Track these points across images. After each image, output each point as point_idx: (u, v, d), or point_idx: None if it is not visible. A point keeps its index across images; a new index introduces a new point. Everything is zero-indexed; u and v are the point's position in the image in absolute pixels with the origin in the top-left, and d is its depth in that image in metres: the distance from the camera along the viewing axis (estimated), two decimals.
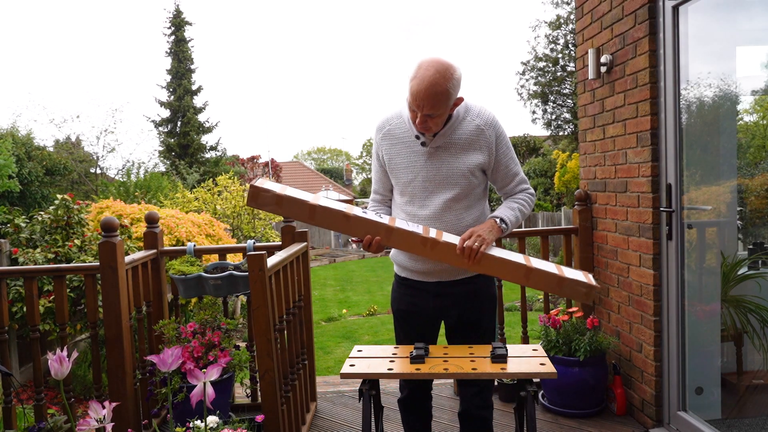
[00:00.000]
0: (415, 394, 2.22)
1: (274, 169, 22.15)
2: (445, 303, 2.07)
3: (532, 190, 2.12)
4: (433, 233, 1.86)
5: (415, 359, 1.87)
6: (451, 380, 3.52)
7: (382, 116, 2.08)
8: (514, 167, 2.06)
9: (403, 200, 2.06)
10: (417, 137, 1.98)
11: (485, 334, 2.13)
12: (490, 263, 1.86)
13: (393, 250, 2.19)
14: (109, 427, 1.77)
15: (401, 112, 2.03)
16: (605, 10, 3.06)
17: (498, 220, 1.97)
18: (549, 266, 1.91)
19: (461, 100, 1.92)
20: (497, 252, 1.88)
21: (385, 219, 1.88)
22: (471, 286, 2.07)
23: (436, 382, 3.54)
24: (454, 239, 1.88)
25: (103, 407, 1.78)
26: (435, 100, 1.79)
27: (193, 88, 21.19)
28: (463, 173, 1.97)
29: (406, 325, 2.17)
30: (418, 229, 1.87)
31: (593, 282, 1.88)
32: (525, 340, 3.39)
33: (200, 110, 21.25)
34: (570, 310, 3.19)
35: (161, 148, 20.54)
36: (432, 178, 1.98)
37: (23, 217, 4.48)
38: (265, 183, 1.88)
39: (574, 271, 1.92)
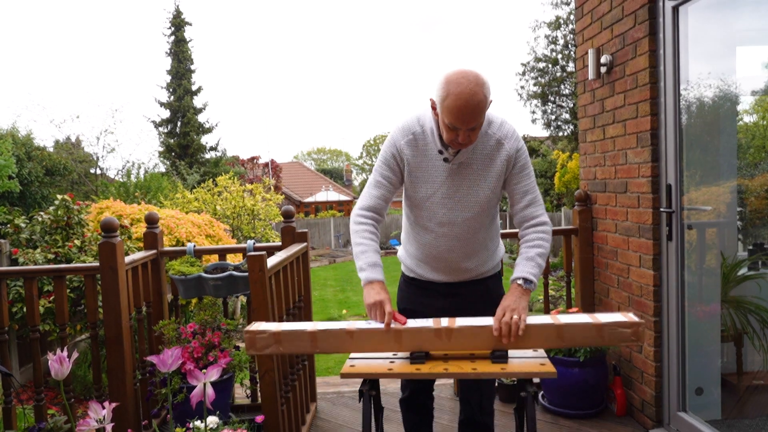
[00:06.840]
0: (417, 393, 2.22)
1: (274, 170, 22.14)
2: (456, 303, 2.03)
3: (545, 218, 1.95)
4: (444, 322, 1.77)
5: (415, 359, 1.87)
6: (451, 381, 3.52)
7: (401, 122, 1.97)
8: (527, 184, 1.95)
9: (416, 214, 2.00)
10: (440, 152, 1.90)
11: None
12: (528, 334, 1.73)
13: (400, 251, 2.18)
14: (109, 427, 1.77)
15: (422, 123, 1.93)
16: (605, 10, 3.06)
17: (522, 282, 1.82)
18: (581, 317, 1.78)
19: (491, 101, 1.86)
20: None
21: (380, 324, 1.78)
22: (481, 286, 2.06)
23: (436, 382, 3.53)
24: (469, 322, 1.78)
25: (103, 407, 1.78)
26: (477, 111, 1.74)
27: (193, 88, 21.22)
28: (484, 192, 1.92)
29: None
30: (427, 322, 1.77)
31: (635, 318, 1.72)
32: None
33: (200, 111, 21.27)
34: (570, 310, 3.19)
35: (161, 149, 20.57)
36: (452, 195, 1.92)
37: (23, 217, 4.48)
38: (261, 325, 1.81)
39: (609, 315, 1.77)
